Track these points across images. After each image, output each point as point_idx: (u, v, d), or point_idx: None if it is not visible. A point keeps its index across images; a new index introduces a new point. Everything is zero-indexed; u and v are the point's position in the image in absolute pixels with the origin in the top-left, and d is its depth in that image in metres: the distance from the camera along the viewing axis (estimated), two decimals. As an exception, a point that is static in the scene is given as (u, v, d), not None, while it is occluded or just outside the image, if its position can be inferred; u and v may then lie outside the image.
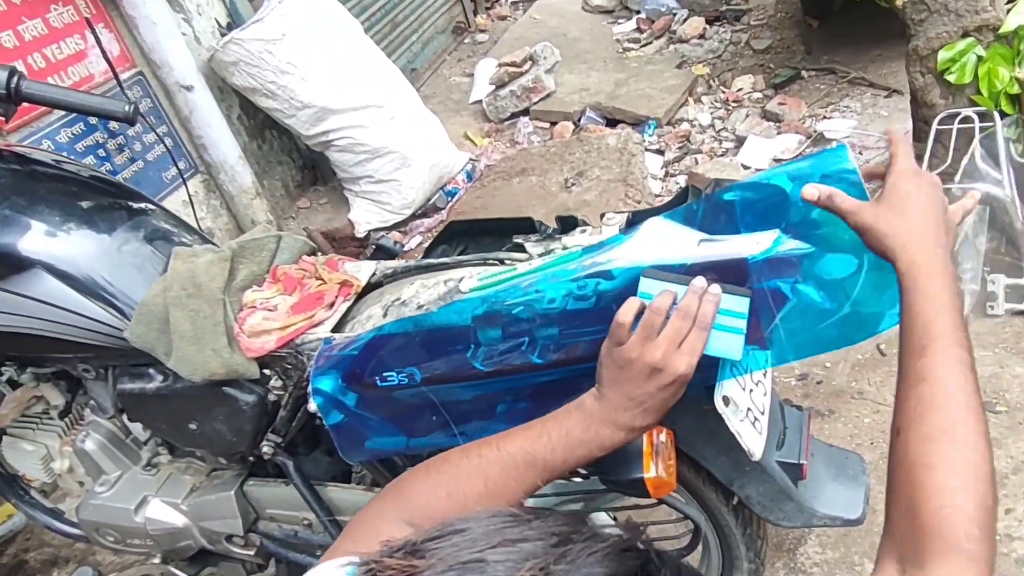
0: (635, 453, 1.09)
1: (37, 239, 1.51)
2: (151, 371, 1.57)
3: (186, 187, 3.18)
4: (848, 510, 1.29)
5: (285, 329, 1.40)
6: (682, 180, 3.47)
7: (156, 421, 1.66)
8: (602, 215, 1.30)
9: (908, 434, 0.81)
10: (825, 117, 3.66)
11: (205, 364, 1.41)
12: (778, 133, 3.58)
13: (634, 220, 1.26)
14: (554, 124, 4.25)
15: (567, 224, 1.35)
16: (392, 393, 1.23)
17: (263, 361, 1.43)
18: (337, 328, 1.40)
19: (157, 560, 1.86)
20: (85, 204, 1.59)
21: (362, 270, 1.50)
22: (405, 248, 3.72)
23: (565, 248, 1.27)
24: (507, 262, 1.34)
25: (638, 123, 3.96)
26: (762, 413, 1.20)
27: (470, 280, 1.29)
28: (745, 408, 1.16)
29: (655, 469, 1.08)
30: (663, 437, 1.12)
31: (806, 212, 1.03)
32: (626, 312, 0.96)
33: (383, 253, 3.86)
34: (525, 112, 4.37)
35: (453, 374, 1.16)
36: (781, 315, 1.03)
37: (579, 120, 4.17)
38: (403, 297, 1.36)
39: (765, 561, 1.47)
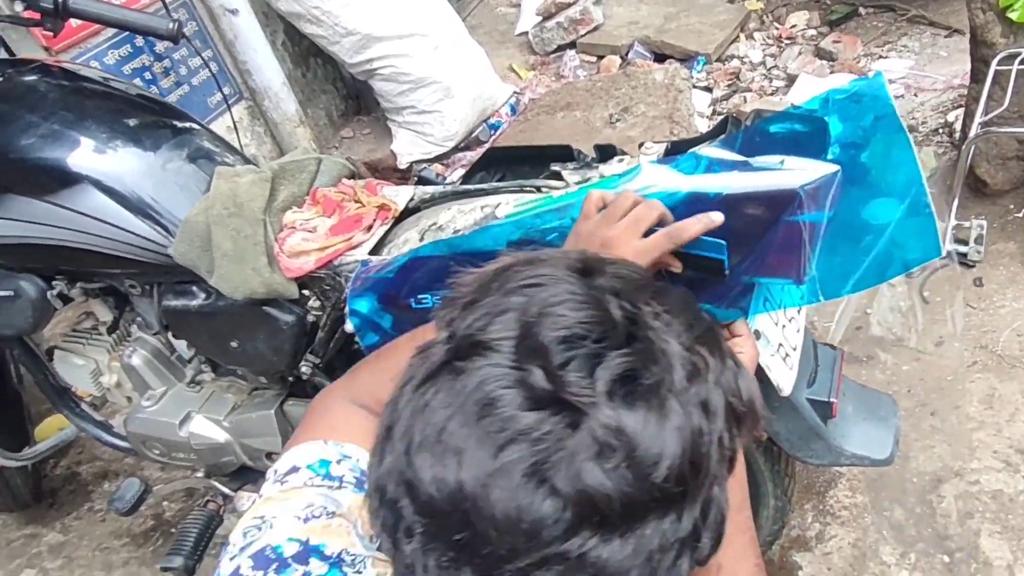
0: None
1: (85, 154, 1.54)
2: (194, 288, 1.60)
3: (230, 113, 3.21)
4: (877, 450, 1.30)
5: (324, 250, 1.42)
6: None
7: (199, 338, 1.71)
8: (640, 144, 1.29)
9: None
10: (881, 57, 3.55)
11: (246, 282, 1.44)
12: (831, 72, 3.48)
13: (673, 150, 1.25)
14: (601, 58, 4.17)
15: (605, 153, 1.34)
16: (426, 315, 1.24)
17: (302, 282, 1.46)
18: (374, 251, 1.42)
19: (201, 474, 1.93)
20: (132, 121, 1.62)
21: (400, 194, 1.51)
22: (447, 180, 3.71)
23: (602, 176, 1.27)
24: (544, 189, 1.33)
25: (687, 59, 3.87)
26: (794, 349, 1.20)
27: (506, 206, 1.30)
28: (776, 343, 1.16)
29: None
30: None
31: (854, 154, 1.02)
32: (600, 195, 0.97)
33: (425, 185, 3.86)
34: (572, 45, 4.29)
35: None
36: (817, 250, 1.02)
37: (627, 54, 4.09)
38: (440, 222, 1.37)
39: (792, 499, 1.48)
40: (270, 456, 1.79)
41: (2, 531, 2.47)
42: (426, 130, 3.76)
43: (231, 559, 0.72)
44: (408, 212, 1.49)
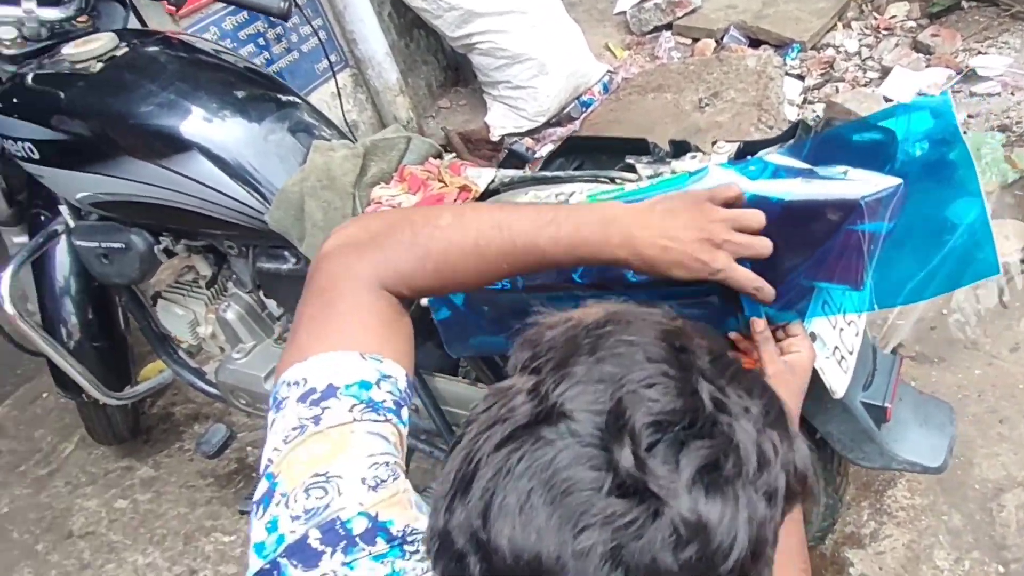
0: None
1: (196, 123, 1.63)
2: (286, 253, 1.68)
3: (335, 80, 3.29)
4: (929, 457, 1.28)
5: (406, 227, 1.47)
6: (819, 108, 3.32)
7: (287, 299, 1.80)
8: (713, 142, 1.29)
9: None
10: (980, 52, 3.39)
11: (333, 252, 1.51)
12: (927, 66, 3.35)
13: (745, 150, 1.26)
14: (696, 41, 4.11)
15: (679, 148, 1.35)
16: (496, 296, 1.29)
17: (384, 254, 1.51)
18: (453, 230, 1.45)
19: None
20: (240, 93, 1.70)
21: (482, 176, 1.54)
22: (536, 155, 3.73)
23: (674, 172, 1.28)
24: (617, 181, 1.35)
25: (782, 45, 3.77)
26: (850, 353, 1.20)
27: (579, 195, 1.32)
28: (832, 346, 1.16)
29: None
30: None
31: (944, 151, 1.00)
32: (738, 193, 0.94)
33: (515, 158, 3.86)
34: (668, 26, 4.23)
35: (553, 284, 1.20)
36: (881, 258, 1.02)
37: (722, 38, 4.01)
38: (516, 207, 1.40)
39: (843, 498, 1.48)
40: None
41: (102, 461, 2.64)
42: (519, 104, 3.78)
43: (295, 519, 0.69)
44: (488, 194, 1.53)
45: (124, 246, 1.86)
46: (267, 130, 1.66)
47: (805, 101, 3.46)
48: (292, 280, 1.67)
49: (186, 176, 1.63)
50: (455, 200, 1.49)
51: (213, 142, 1.62)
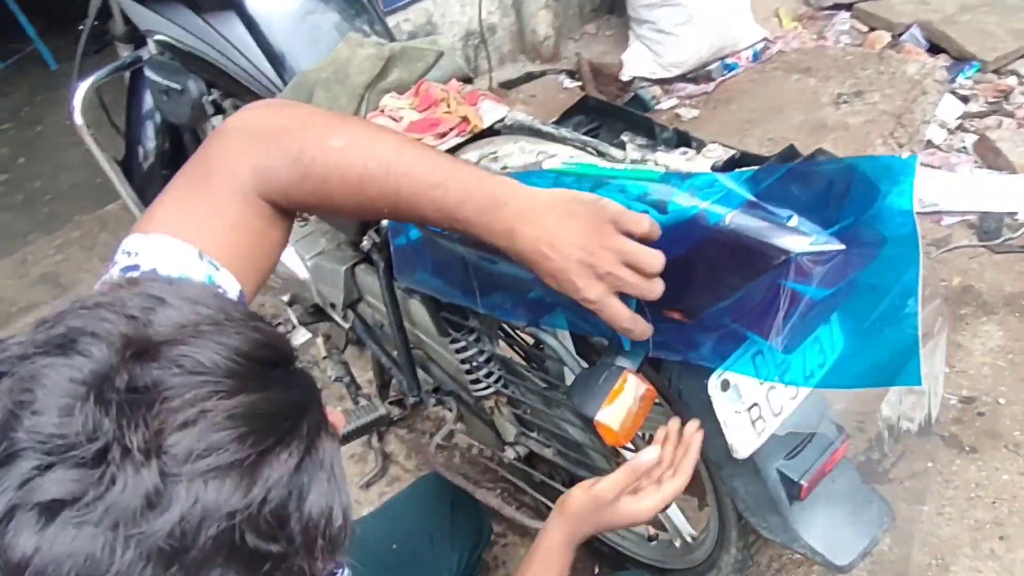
0: (603, 391, 0.98)
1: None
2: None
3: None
4: (836, 553, 1.10)
5: (393, 142, 1.37)
6: (968, 140, 2.90)
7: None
8: (712, 141, 1.12)
9: None
10: None
11: (323, 147, 1.43)
12: (1114, 125, 2.87)
13: (740, 161, 1.07)
14: (872, 30, 3.69)
15: (681, 139, 1.18)
16: (436, 238, 1.19)
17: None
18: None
19: (285, 298, 2.03)
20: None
21: (492, 112, 1.41)
22: (658, 106, 3.50)
23: (656, 164, 1.12)
24: (607, 155, 1.20)
25: (962, 59, 3.33)
26: (774, 415, 1.03)
27: (553, 160, 1.18)
28: (750, 402, 1.00)
29: (610, 417, 0.96)
30: (641, 390, 0.98)
31: (894, 224, 0.82)
32: (650, 226, 0.83)
33: (637, 103, 3.63)
34: (849, 7, 3.82)
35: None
36: (791, 323, 0.86)
37: (900, 35, 3.58)
38: (499, 153, 1.28)
39: (754, 556, 1.31)
40: (333, 306, 1.83)
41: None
42: (659, 50, 3.54)
43: None
44: (490, 132, 1.40)
45: (180, 88, 1.84)
46: (308, 9, 1.58)
47: (960, 127, 3.04)
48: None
49: (222, 35, 1.58)
50: (450, 128, 1.37)
51: (254, 10, 1.57)
